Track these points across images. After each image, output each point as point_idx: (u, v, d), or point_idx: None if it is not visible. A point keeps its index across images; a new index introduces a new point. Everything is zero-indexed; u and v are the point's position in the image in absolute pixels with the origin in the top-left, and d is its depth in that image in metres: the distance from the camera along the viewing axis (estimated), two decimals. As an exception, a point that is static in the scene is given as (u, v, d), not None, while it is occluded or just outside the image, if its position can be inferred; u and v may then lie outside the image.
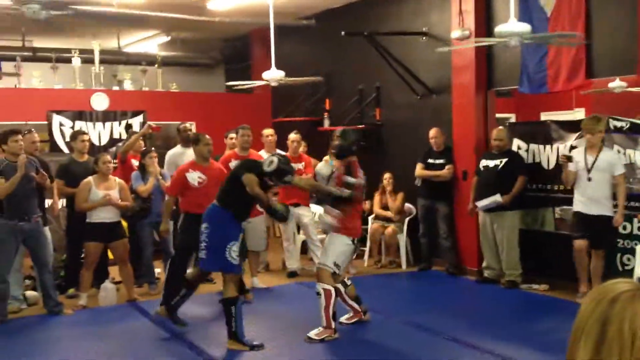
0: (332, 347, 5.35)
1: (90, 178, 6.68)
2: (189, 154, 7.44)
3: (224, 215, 5.29)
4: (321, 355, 5.20)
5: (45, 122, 9.83)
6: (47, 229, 6.63)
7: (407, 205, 8.39)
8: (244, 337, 5.22)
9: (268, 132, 8.21)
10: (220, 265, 5.32)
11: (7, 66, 10.83)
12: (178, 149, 7.90)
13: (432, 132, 7.88)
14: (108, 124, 10.33)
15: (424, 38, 8.31)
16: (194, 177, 6.35)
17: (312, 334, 5.39)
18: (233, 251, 5.22)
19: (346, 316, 5.84)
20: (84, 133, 7.49)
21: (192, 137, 6.96)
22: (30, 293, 6.88)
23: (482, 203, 7.22)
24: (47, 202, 6.95)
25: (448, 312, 6.32)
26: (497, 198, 7.05)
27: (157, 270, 7.53)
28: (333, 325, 5.38)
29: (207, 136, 6.55)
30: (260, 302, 6.70)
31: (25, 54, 10.86)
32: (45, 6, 4.45)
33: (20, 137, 6.23)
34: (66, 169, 7.10)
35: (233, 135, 7.91)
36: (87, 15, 6.44)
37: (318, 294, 5.41)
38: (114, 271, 7.24)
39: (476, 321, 6.00)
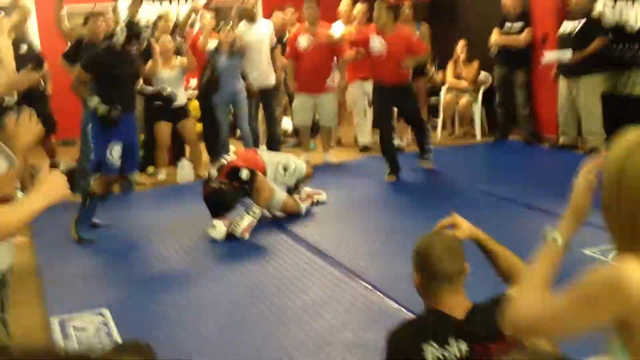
0: (407, 213, 5.35)
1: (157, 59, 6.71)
2: (254, 31, 7.32)
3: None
4: (395, 220, 5.20)
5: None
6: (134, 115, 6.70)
7: (483, 73, 8.07)
8: (82, 230, 5.16)
9: (343, 2, 8.06)
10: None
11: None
12: (242, 26, 7.72)
13: (506, -4, 7.40)
14: (174, 4, 10.20)
15: None
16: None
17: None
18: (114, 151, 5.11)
19: None
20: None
21: None
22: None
23: (548, 56, 6.88)
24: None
25: (524, 181, 6.13)
26: (566, 53, 6.67)
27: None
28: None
29: None
30: (333, 176, 6.72)
31: None
32: None
33: (100, 18, 6.31)
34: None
35: (290, 10, 7.79)
36: None
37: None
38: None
39: (552, 188, 5.83)
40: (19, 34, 6.57)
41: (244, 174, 5.04)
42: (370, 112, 8.19)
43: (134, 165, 5.78)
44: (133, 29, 5.20)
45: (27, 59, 6.59)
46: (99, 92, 5.18)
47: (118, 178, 5.53)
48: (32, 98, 6.46)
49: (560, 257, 1.47)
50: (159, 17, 7.64)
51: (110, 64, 5.20)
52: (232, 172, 5.08)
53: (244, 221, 4.93)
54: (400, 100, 6.54)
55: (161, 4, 10.07)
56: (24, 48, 6.77)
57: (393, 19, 6.49)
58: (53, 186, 1.95)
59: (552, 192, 5.59)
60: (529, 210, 5.19)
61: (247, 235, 4.92)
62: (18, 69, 6.15)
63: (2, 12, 6.29)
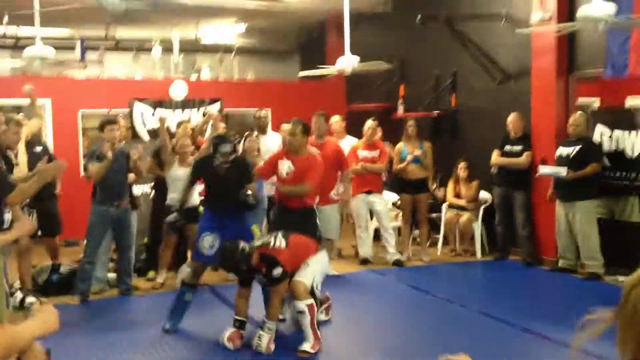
0: (405, 333, 5.32)
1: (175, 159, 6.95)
2: (264, 141, 7.58)
3: None
4: (394, 340, 5.18)
5: (127, 110, 10.15)
6: (134, 214, 6.88)
7: (483, 193, 8.23)
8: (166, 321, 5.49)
9: (335, 119, 8.30)
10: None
11: (91, 55, 11.24)
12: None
13: (511, 117, 7.68)
14: (187, 112, 10.57)
15: (503, 21, 8.07)
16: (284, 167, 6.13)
17: (307, 347, 4.94)
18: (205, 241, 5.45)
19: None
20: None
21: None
22: (112, 275, 7.16)
23: (544, 170, 7.05)
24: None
25: (523, 303, 6.15)
26: (562, 170, 6.85)
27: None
28: (320, 337, 4.99)
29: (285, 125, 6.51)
30: (332, 289, 6.70)
31: (109, 43, 11.24)
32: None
33: (115, 126, 6.54)
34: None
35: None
36: (165, 6, 6.59)
37: (301, 312, 4.97)
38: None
39: (551, 313, 5.82)
40: (35, 137, 6.81)
41: (276, 272, 4.88)
42: (372, 225, 8.30)
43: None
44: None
45: (41, 159, 6.77)
46: None
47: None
48: (43, 197, 6.61)
49: None
50: (181, 122, 7.93)
51: None
52: (270, 260, 4.93)
53: (264, 339, 4.92)
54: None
55: (173, 111, 10.44)
56: (38, 149, 6.96)
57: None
58: (48, 319, 1.99)
59: (550, 316, 5.63)
60: (526, 335, 5.16)
61: (272, 348, 4.92)
62: (32, 168, 6.40)
63: (22, 113, 6.57)
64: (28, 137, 6.64)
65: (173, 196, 6.73)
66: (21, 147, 6.29)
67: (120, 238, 6.62)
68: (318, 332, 4.97)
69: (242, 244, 4.91)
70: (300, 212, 6.01)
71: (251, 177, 5.71)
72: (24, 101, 8.44)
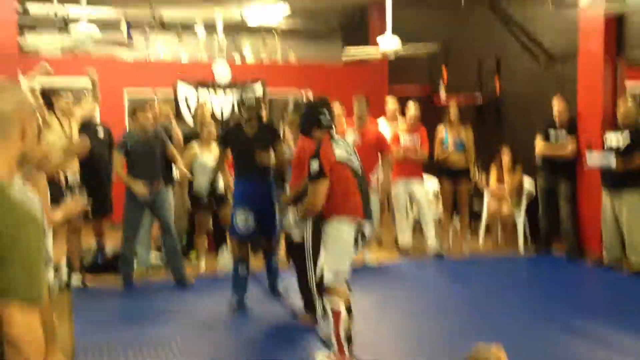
0: (442, 325, 5.30)
1: (194, 144, 6.97)
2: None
3: None
4: (430, 331, 5.14)
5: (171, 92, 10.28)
6: (170, 193, 6.80)
7: (527, 180, 8.06)
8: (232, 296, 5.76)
9: (390, 101, 8.37)
10: None
11: (137, 37, 11.36)
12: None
13: (556, 101, 7.48)
14: (229, 93, 10.65)
15: (551, 2, 7.87)
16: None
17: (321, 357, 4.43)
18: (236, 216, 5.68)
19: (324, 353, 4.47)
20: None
21: None
22: (155, 254, 7.29)
23: (593, 160, 6.85)
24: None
25: (565, 299, 6.00)
26: (612, 161, 6.63)
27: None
28: (347, 352, 4.21)
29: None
30: (371, 279, 6.72)
31: (153, 23, 11.34)
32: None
33: (148, 113, 6.49)
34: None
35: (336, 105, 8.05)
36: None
37: (324, 310, 4.48)
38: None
39: (593, 310, 5.72)
40: (87, 119, 6.94)
41: (315, 165, 4.24)
42: (412, 214, 8.25)
43: None
44: None
45: (99, 141, 6.92)
46: None
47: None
48: (97, 180, 6.75)
49: None
50: (199, 106, 7.96)
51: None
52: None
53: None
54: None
55: (216, 93, 10.52)
56: (101, 132, 7.10)
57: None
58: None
59: (592, 314, 5.50)
60: (567, 332, 5.07)
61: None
62: (97, 151, 6.57)
63: (71, 96, 6.69)
64: (81, 119, 6.78)
65: (201, 182, 6.78)
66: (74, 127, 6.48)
67: (159, 218, 6.61)
68: (344, 346, 4.18)
69: None
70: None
71: (279, 140, 5.83)
72: (73, 80, 8.65)
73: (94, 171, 6.82)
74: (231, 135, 5.84)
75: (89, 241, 7.21)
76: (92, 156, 6.38)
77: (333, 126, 4.49)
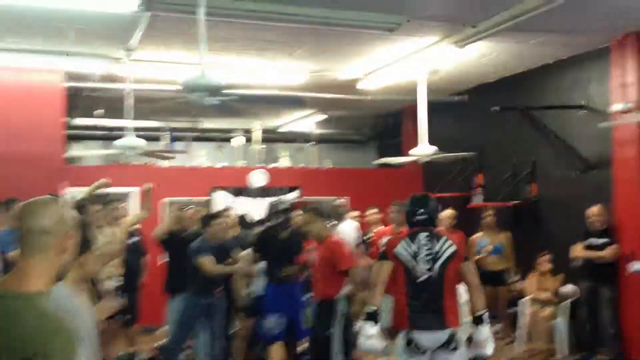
0: None
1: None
2: (341, 229, 7.64)
3: None
4: None
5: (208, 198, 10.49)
6: (223, 301, 6.75)
7: (570, 286, 7.84)
8: None
9: (446, 214, 8.25)
10: None
11: (178, 145, 11.78)
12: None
13: (594, 209, 7.41)
14: (266, 200, 10.82)
15: (582, 111, 7.98)
16: None
17: None
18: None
19: None
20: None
21: None
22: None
23: (636, 266, 6.68)
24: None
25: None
26: None
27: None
28: None
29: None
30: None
31: (194, 134, 11.78)
32: (211, 93, 4.85)
33: (223, 220, 6.60)
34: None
35: (372, 210, 8.08)
36: (250, 99, 6.92)
37: None
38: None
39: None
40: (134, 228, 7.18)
41: None
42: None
43: None
44: None
45: (135, 250, 7.14)
46: None
47: None
48: (130, 287, 6.83)
49: None
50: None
51: None
52: None
53: None
54: None
55: (254, 199, 10.70)
56: (134, 239, 7.32)
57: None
58: None
59: None
60: None
61: None
62: (128, 257, 6.69)
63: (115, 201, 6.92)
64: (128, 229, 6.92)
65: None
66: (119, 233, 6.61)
67: (212, 326, 6.51)
68: None
69: None
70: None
71: (301, 247, 5.96)
72: (110, 190, 8.90)
73: (128, 278, 6.89)
74: (265, 238, 5.91)
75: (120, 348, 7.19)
76: (128, 263, 6.50)
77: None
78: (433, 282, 4.30)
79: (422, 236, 4.39)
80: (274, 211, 5.99)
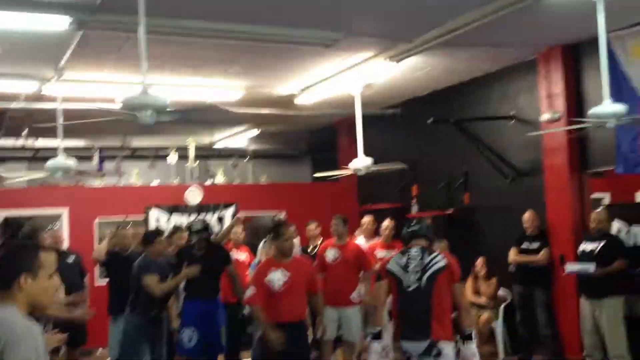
0: None
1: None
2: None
3: None
4: None
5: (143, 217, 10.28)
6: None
7: (502, 290, 8.15)
8: None
9: (366, 220, 8.46)
10: None
11: (109, 165, 11.51)
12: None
13: (526, 215, 7.72)
14: (202, 216, 10.68)
15: (512, 122, 8.28)
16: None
17: None
18: None
19: None
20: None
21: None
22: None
23: (571, 267, 6.97)
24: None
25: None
26: (590, 267, 6.75)
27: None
28: None
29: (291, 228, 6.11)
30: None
31: (125, 153, 11.53)
32: (156, 111, 4.76)
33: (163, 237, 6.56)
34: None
35: (313, 225, 8.11)
36: (191, 119, 6.84)
37: None
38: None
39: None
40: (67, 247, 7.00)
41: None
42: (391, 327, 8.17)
43: None
44: None
45: (73, 269, 6.97)
46: None
47: None
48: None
49: None
50: (176, 229, 7.91)
51: None
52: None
53: None
54: None
55: (189, 216, 10.55)
56: (72, 258, 7.17)
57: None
58: None
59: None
60: None
61: None
62: (66, 277, 6.45)
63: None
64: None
65: None
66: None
67: (155, 349, 6.30)
68: None
69: None
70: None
71: (228, 260, 6.57)
72: (39, 212, 8.62)
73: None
74: (180, 258, 6.47)
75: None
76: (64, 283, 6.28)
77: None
78: (421, 293, 4.58)
79: (413, 250, 4.77)
80: (193, 230, 6.51)
